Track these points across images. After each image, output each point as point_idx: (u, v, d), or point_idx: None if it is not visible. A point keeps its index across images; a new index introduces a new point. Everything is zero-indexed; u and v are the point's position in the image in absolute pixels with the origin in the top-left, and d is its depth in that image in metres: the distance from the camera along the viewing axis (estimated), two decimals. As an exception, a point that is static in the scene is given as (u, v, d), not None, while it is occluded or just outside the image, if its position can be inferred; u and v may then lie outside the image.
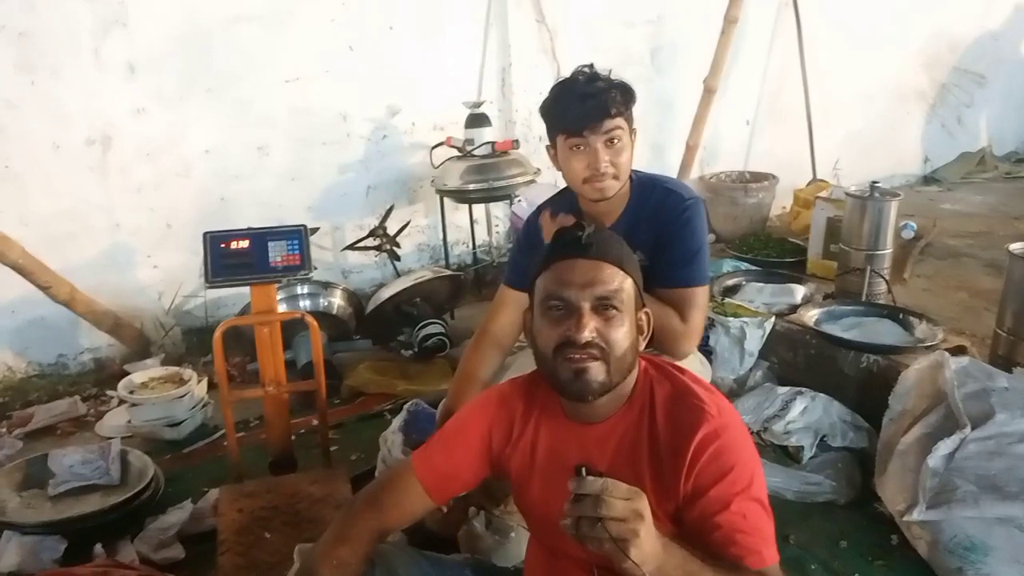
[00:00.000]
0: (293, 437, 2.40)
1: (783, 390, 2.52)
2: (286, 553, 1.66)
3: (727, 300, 2.91)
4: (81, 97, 3.00)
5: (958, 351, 2.40)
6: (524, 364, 1.81)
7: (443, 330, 3.19)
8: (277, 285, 2.33)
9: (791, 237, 3.86)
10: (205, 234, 2.17)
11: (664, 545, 1.01)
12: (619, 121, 1.72)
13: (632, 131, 1.78)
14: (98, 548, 1.99)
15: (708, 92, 4.18)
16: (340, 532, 1.31)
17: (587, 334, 1.15)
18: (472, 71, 3.84)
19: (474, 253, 3.97)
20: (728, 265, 3.42)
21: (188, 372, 2.77)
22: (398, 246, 3.61)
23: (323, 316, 3.18)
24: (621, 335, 1.18)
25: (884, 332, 2.63)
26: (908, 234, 3.62)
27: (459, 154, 3.54)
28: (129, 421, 2.67)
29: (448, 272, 3.53)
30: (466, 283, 3.70)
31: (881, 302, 2.93)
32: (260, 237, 2.18)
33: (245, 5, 3.21)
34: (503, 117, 3.95)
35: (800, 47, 4.43)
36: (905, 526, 1.94)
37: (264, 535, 1.93)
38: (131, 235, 3.22)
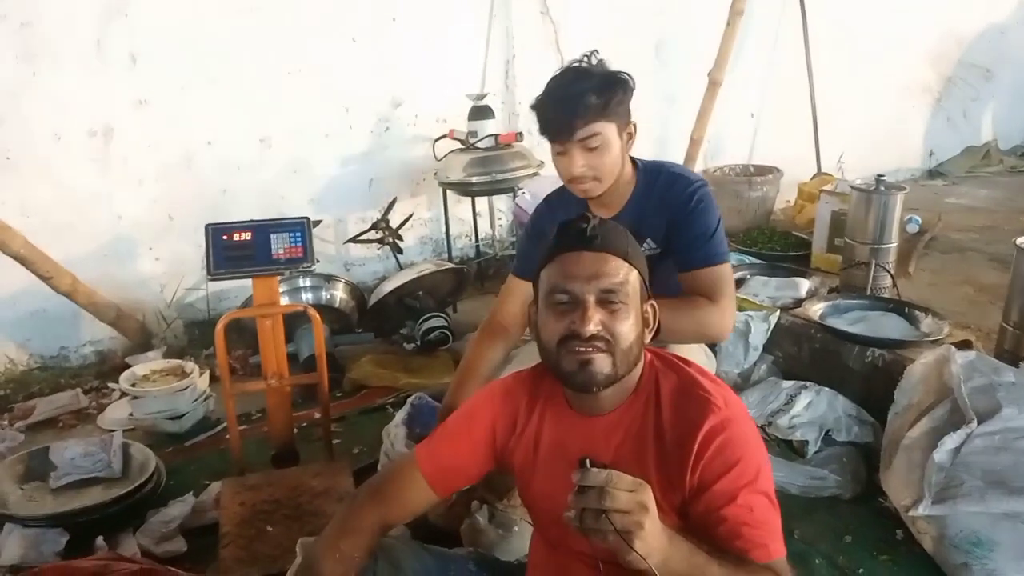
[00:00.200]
0: (295, 430, 2.39)
1: (788, 384, 2.51)
2: (288, 546, 1.66)
3: (731, 294, 2.89)
4: (82, 87, 2.99)
5: (963, 345, 2.38)
6: (526, 358, 1.80)
7: (445, 323, 3.18)
8: (279, 278, 2.32)
9: (795, 231, 3.84)
10: (207, 226, 2.16)
11: (669, 537, 1.01)
12: (595, 126, 1.68)
13: (624, 125, 1.74)
14: (100, 541, 1.98)
15: (713, 85, 4.16)
16: (343, 525, 1.30)
17: (592, 327, 1.15)
18: (476, 63, 3.83)
19: (477, 246, 3.96)
20: (732, 259, 3.40)
21: (190, 365, 2.76)
22: (401, 239, 3.60)
23: (325, 309, 3.18)
24: (627, 328, 1.17)
25: (889, 326, 2.62)
26: (913, 228, 3.61)
27: (462, 147, 3.53)
28: (131, 414, 2.67)
29: (451, 265, 3.52)
30: (469, 276, 3.69)
31: (886, 296, 2.92)
32: (263, 229, 2.17)
33: (247, -5, 3.20)
34: (506, 109, 3.93)
35: (805, 40, 4.41)
36: (910, 521, 1.93)
37: (266, 528, 1.92)
38: (132, 227, 3.22)
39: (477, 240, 3.95)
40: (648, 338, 1.25)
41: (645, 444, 1.20)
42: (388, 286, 3.29)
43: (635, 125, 1.78)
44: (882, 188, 2.98)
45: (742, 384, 2.65)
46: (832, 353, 2.57)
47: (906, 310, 2.69)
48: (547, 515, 1.31)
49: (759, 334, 2.68)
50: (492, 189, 3.58)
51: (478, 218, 3.91)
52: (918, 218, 3.59)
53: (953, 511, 1.84)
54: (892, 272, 2.99)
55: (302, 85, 3.39)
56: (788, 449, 2.37)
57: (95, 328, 3.18)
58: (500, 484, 1.81)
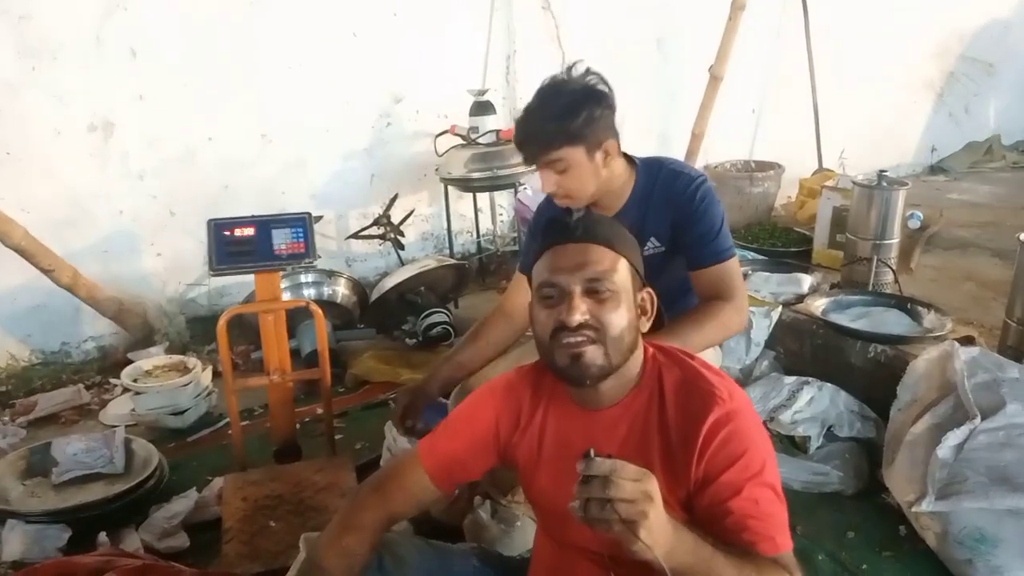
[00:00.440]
0: (297, 426, 2.39)
1: (790, 380, 2.50)
2: (291, 542, 1.66)
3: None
4: (82, 82, 2.98)
5: (966, 341, 2.38)
6: (526, 354, 1.80)
7: (447, 319, 3.18)
8: (281, 273, 2.32)
9: (797, 227, 3.83)
10: (209, 221, 2.15)
11: (675, 528, 1.00)
12: (558, 152, 1.68)
13: (597, 145, 1.70)
14: (102, 537, 1.98)
15: (714, 80, 4.14)
16: (346, 521, 1.30)
17: (578, 316, 1.14)
18: (476, 58, 3.82)
19: (478, 242, 3.96)
20: (734, 254, 3.40)
21: (192, 360, 2.76)
22: (402, 235, 3.59)
23: (327, 304, 3.17)
24: (616, 316, 1.16)
25: (891, 322, 2.62)
26: (915, 224, 3.60)
27: (463, 142, 3.52)
28: (133, 409, 2.67)
29: (452, 261, 3.52)
30: (470, 272, 3.69)
31: (888, 292, 2.91)
32: (264, 225, 2.16)
33: (248, -10, 3.19)
34: (508, 105, 3.92)
35: (807, 35, 4.40)
36: (913, 517, 1.93)
37: (269, 524, 1.92)
38: (133, 222, 3.21)
39: (478, 236, 3.95)
40: (646, 327, 1.25)
41: (649, 438, 1.20)
42: (390, 282, 3.29)
43: (615, 141, 1.74)
44: (884, 184, 2.97)
45: (744, 380, 2.65)
46: (834, 349, 2.56)
47: (908, 306, 2.69)
48: (551, 511, 1.30)
49: (761, 330, 2.67)
50: (493, 185, 3.58)
51: (479, 214, 3.90)
52: (920, 214, 3.58)
53: (957, 507, 1.84)
54: (894, 268, 2.98)
55: (303, 80, 3.38)
56: (790, 445, 2.37)
57: (96, 323, 3.18)
58: (504, 479, 1.81)
